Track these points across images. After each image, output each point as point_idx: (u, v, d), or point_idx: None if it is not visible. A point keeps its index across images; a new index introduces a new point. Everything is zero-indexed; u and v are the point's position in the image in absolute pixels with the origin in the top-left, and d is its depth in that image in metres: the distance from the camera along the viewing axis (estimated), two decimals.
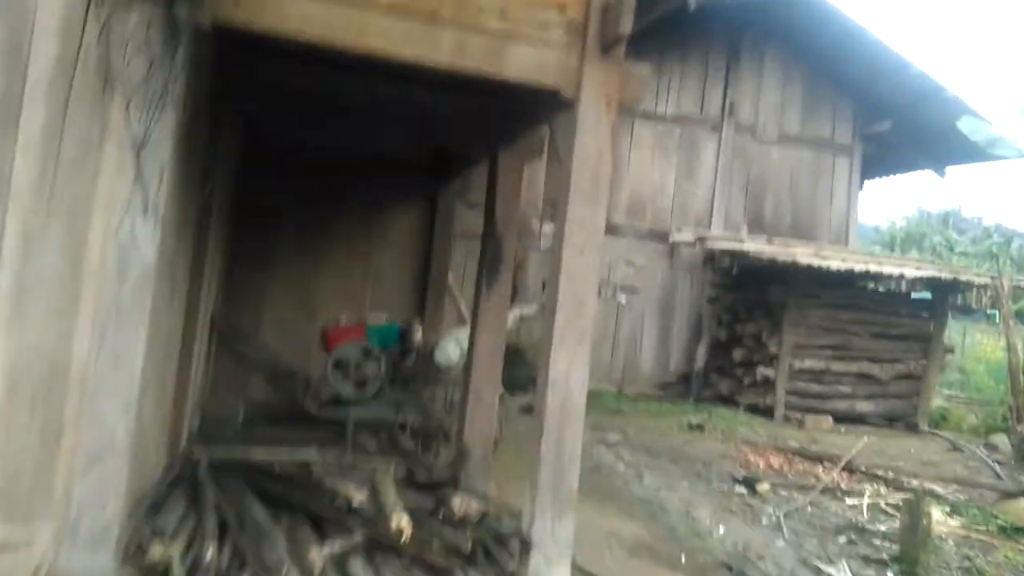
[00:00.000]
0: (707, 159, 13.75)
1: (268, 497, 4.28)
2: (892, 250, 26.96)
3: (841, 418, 11.95)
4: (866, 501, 7.84)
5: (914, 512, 6.32)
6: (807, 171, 14.33)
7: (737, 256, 12.18)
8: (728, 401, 12.71)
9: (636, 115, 13.33)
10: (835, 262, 11.32)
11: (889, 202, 64.87)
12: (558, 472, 4.03)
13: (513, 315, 7.13)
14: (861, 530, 6.99)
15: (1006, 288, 11.15)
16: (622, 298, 7.28)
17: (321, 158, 7.34)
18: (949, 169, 15.04)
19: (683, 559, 5.72)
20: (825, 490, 8.05)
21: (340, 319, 7.14)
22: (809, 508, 7.47)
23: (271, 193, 7.35)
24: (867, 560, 6.22)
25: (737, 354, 12.59)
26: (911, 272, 11.86)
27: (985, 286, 12.08)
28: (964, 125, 11.08)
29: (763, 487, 7.93)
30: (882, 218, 37.69)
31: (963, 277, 12.06)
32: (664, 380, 13.41)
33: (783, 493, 7.94)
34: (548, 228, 12.66)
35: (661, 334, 13.49)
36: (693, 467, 8.57)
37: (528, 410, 10.91)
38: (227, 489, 4.31)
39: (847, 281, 12.13)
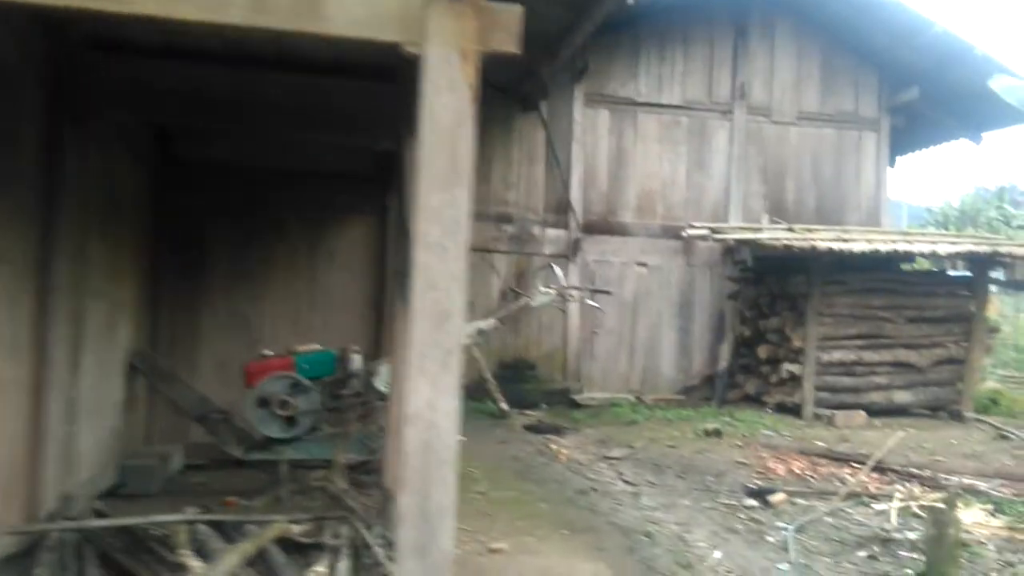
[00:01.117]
0: (719, 147, 12.86)
1: None
2: (946, 229, 25.46)
3: (878, 412, 10.95)
4: (895, 505, 6.90)
5: (940, 519, 5.44)
6: (830, 150, 13.32)
7: (753, 246, 11.27)
8: (756, 402, 11.80)
9: (639, 106, 12.54)
10: (858, 244, 10.36)
11: (944, 182, 62.12)
12: (425, 532, 3.01)
13: (467, 331, 6.44)
14: (886, 541, 6.09)
15: None
16: (589, 302, 6.49)
17: (251, 176, 6.80)
18: (990, 137, 13.88)
19: None
20: (850, 496, 7.15)
21: (265, 352, 6.49)
22: (828, 519, 6.59)
23: (199, 218, 6.82)
24: None
25: (762, 351, 11.67)
26: (944, 248, 10.80)
27: None
28: (997, 84, 10.06)
29: (777, 498, 7.06)
30: (937, 199, 35.80)
31: (1003, 249, 10.94)
32: (687, 384, 12.53)
33: (801, 503, 7.06)
34: (553, 234, 11.97)
35: (681, 336, 12.63)
36: (702, 480, 7.73)
37: (536, 429, 10.22)
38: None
39: (876, 264, 11.12)
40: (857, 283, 11.15)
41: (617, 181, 12.52)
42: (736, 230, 11.41)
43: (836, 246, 10.31)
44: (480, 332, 6.41)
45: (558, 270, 6.61)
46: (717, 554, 5.80)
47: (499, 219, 12.11)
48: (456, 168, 3.20)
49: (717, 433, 9.61)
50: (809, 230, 11.42)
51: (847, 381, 11.06)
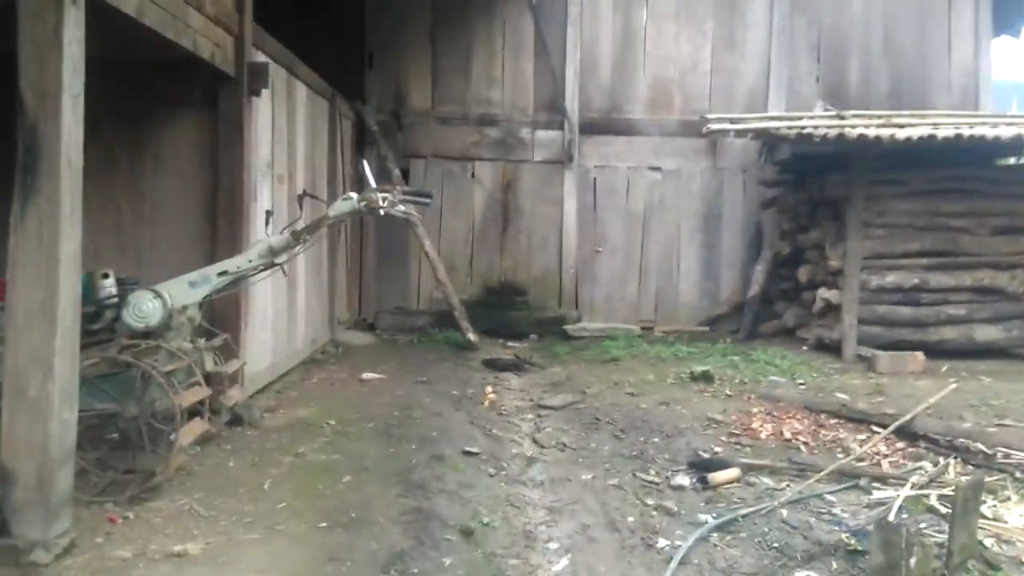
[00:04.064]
0: (756, 19, 10.04)
1: None
2: None
3: (951, 352, 8.18)
4: (905, 493, 4.53)
5: (888, 531, 3.17)
6: (910, 16, 10.21)
7: (791, 140, 8.53)
8: (793, 336, 9.27)
9: None
10: (911, 131, 7.55)
11: None
12: None
13: (259, 247, 4.45)
14: (853, 554, 3.81)
15: None
16: (400, 208, 4.38)
17: None
18: None
19: None
20: (840, 476, 4.81)
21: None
22: (786, 511, 4.31)
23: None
24: None
25: (803, 273, 9.08)
26: (1008, 132, 7.72)
27: None
28: None
29: (724, 476, 4.80)
30: None
31: None
32: (713, 313, 10.08)
33: (762, 483, 4.78)
34: (545, 136, 9.72)
35: (706, 255, 10.13)
36: (642, 443, 5.52)
37: (494, 365, 8.21)
38: None
39: (948, 158, 8.23)
40: (920, 183, 8.31)
41: (623, 70, 10.00)
42: (756, 120, 8.66)
43: (883, 133, 7.55)
44: (271, 251, 4.38)
45: (366, 166, 4.51)
46: (559, 566, 3.72)
47: (481, 122, 9.93)
48: None
49: (706, 377, 7.27)
50: (863, 115, 8.56)
51: (906, 312, 8.32)
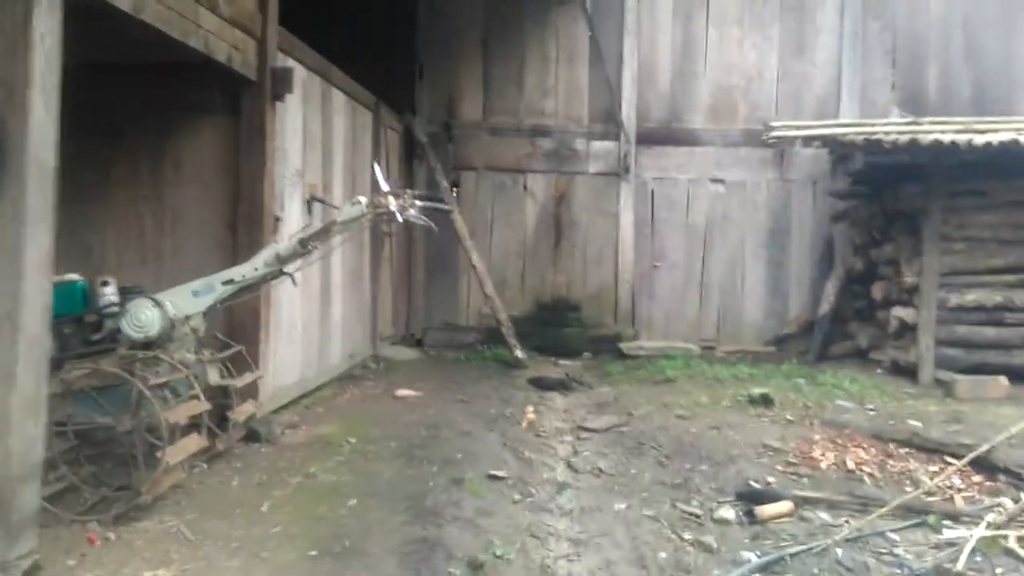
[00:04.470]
0: (825, 23, 9.46)
1: None
2: None
3: None
4: (979, 531, 3.97)
5: None
6: (993, 20, 9.47)
7: (859, 147, 7.90)
8: (866, 358, 8.59)
9: None
10: (992, 136, 6.87)
11: None
12: None
13: (266, 255, 4.21)
14: None
15: None
16: (412, 214, 4.05)
17: (84, 74, 5.01)
18: None
19: None
20: (906, 511, 4.27)
21: None
22: (841, 550, 3.81)
23: None
24: None
25: (877, 290, 8.41)
26: None
27: None
28: None
29: (773, 510, 4.31)
30: None
31: None
32: (781, 333, 9.46)
33: (818, 519, 4.27)
34: (600, 147, 9.35)
35: (772, 271, 9.54)
36: (688, 471, 5.06)
37: (540, 384, 7.82)
38: None
39: None
40: (1004, 193, 7.58)
41: (683, 78, 9.55)
42: (823, 127, 8.07)
43: (960, 138, 6.90)
44: (279, 258, 4.14)
45: (378, 170, 4.23)
46: None
47: (534, 133, 9.62)
48: None
49: (765, 401, 6.71)
50: (941, 122, 7.89)
51: (988, 333, 7.58)
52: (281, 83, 5.15)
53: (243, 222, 5.16)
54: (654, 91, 9.54)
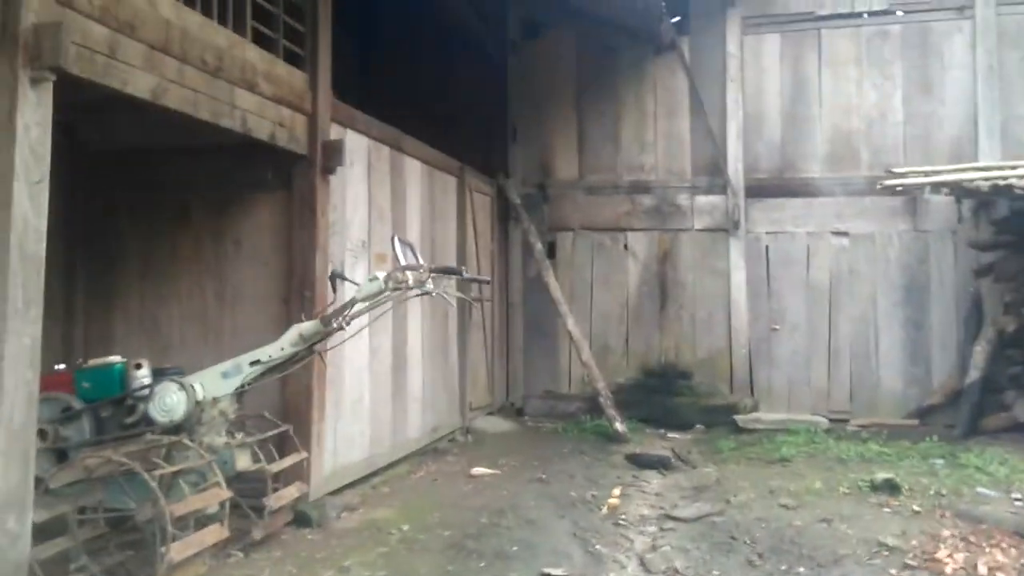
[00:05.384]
0: (955, 58, 8.55)
1: None
2: None
3: None
4: None
5: None
6: None
7: (988, 193, 7.00)
8: None
9: (823, 20, 8.83)
10: None
11: None
12: None
13: (290, 335, 4.07)
14: None
15: None
16: (430, 287, 3.79)
17: (157, 157, 5.29)
18: None
19: None
20: None
21: (58, 367, 4.67)
22: None
23: (110, 210, 5.49)
24: None
25: None
26: None
27: None
28: None
29: None
30: None
31: None
32: (925, 403, 8.41)
33: None
34: (706, 202, 8.88)
35: (910, 333, 8.54)
36: (786, 573, 4.44)
37: (638, 461, 7.27)
38: None
39: None
40: None
41: (795, 124, 8.89)
42: (951, 172, 7.18)
43: None
44: (302, 338, 4.01)
45: (398, 244, 4.01)
46: None
47: (633, 189, 9.21)
48: None
49: (890, 487, 5.86)
50: None
51: None
52: (332, 156, 5.10)
53: (296, 296, 5.09)
54: (762, 140, 8.94)
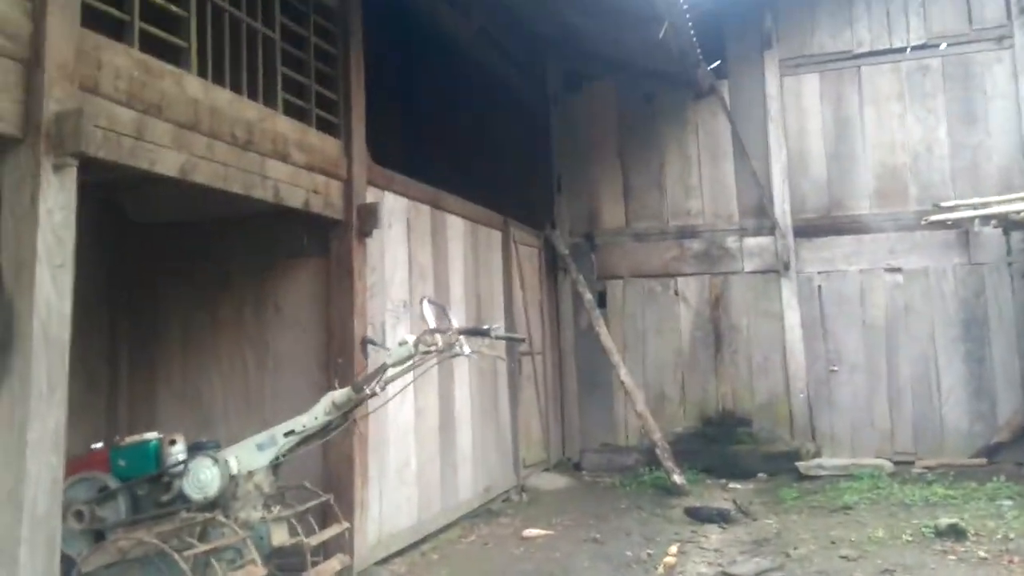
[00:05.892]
0: (997, 88, 8.17)
1: None
2: None
3: None
4: None
5: None
6: None
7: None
8: None
9: (862, 57, 8.55)
10: None
11: None
12: None
13: (324, 404, 3.92)
14: None
15: None
16: (465, 349, 3.65)
17: (199, 227, 5.30)
18: None
19: None
20: None
21: (94, 445, 4.57)
22: None
23: (153, 281, 5.47)
24: None
25: None
26: None
27: None
28: None
29: None
30: None
31: None
32: (992, 441, 7.86)
33: None
34: (754, 244, 8.59)
35: (971, 368, 8.03)
36: None
37: (697, 515, 6.88)
38: None
39: None
40: None
41: (840, 162, 8.56)
42: (999, 203, 6.78)
43: None
44: (335, 406, 3.87)
45: (427, 306, 3.86)
46: None
47: (681, 234, 8.97)
48: None
49: (955, 532, 5.43)
50: None
51: None
52: (368, 219, 5.02)
53: (335, 362, 4.97)
54: (808, 179, 8.64)
